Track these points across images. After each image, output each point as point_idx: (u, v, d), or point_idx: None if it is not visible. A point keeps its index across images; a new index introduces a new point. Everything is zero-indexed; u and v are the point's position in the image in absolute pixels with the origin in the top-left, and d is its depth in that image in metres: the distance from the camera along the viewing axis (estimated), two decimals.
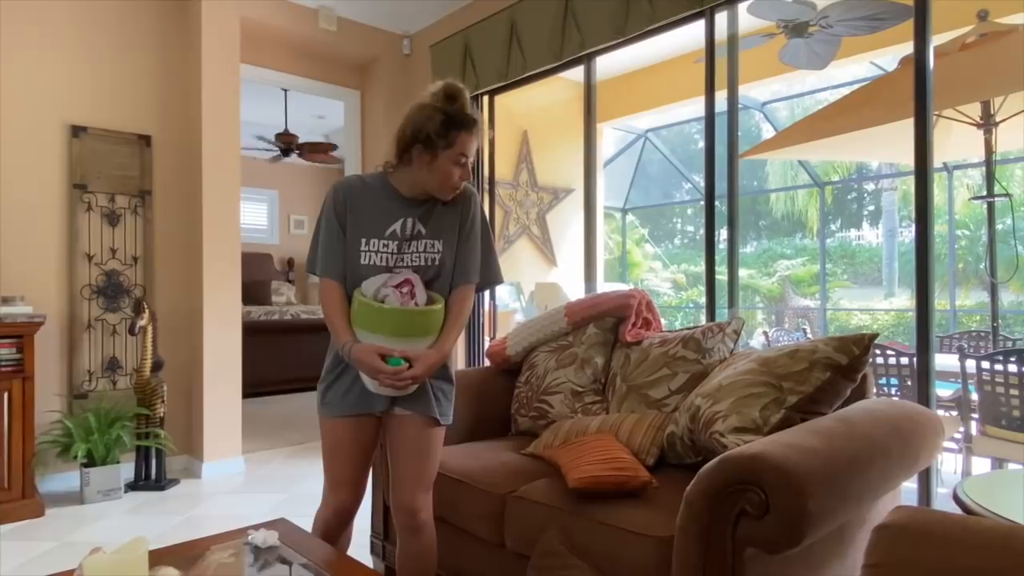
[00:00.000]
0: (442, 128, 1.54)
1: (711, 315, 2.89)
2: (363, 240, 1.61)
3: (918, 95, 2.28)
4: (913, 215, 2.38)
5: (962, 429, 3.17)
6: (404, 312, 1.55)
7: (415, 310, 1.57)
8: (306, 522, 1.75)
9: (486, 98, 4.18)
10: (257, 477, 3.64)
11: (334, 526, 1.73)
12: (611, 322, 2.45)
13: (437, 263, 1.64)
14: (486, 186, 4.24)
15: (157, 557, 1.36)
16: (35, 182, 3.37)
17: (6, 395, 2.93)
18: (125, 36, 3.64)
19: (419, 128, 1.55)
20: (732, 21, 2.91)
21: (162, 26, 3.77)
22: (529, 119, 5.18)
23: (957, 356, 3.16)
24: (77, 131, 3.47)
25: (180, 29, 3.82)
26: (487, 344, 4.00)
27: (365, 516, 2.15)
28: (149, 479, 3.43)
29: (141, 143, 3.68)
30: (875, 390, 1.95)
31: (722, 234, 2.97)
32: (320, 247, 1.66)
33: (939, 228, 8.42)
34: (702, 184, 3.08)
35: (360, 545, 2.16)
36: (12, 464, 2.93)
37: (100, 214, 3.56)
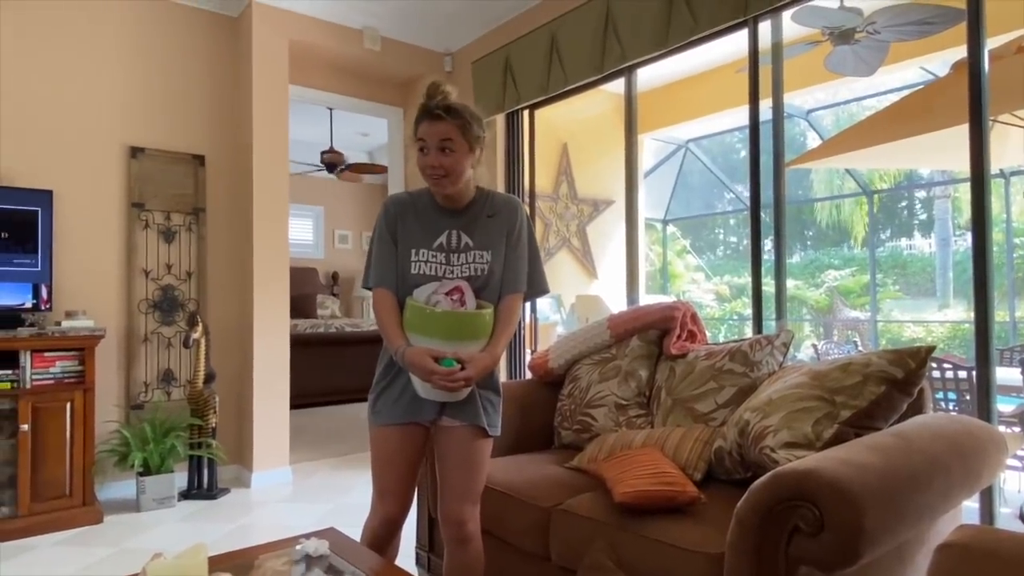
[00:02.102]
0: (414, 125, 1.65)
1: (758, 327, 2.84)
2: (413, 251, 1.66)
3: (973, 100, 2.22)
4: (967, 223, 2.31)
5: None
6: (454, 315, 1.59)
7: (465, 313, 1.60)
8: (353, 532, 1.77)
9: (527, 112, 4.22)
10: (305, 487, 3.71)
11: (381, 536, 1.75)
12: (655, 335, 2.42)
13: (486, 273, 1.67)
14: (526, 199, 4.27)
15: (213, 564, 1.39)
16: (97, 201, 3.54)
17: (68, 405, 3.06)
18: (180, 62, 3.80)
19: None
20: (776, 30, 2.87)
21: (215, 52, 3.92)
22: (569, 131, 5.19)
23: (1019, 369, 3.04)
24: (135, 152, 3.63)
25: (232, 54, 3.97)
26: (529, 357, 4.01)
27: (410, 527, 2.17)
28: (201, 488, 3.53)
29: (195, 163, 3.83)
30: (932, 405, 1.89)
31: (767, 244, 2.93)
32: (373, 260, 1.72)
33: (996, 236, 8.10)
34: (745, 194, 3.04)
35: (405, 555, 2.18)
36: (74, 472, 3.05)
37: (156, 231, 3.70)
